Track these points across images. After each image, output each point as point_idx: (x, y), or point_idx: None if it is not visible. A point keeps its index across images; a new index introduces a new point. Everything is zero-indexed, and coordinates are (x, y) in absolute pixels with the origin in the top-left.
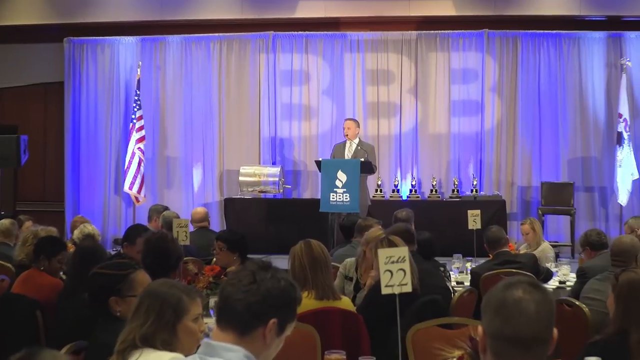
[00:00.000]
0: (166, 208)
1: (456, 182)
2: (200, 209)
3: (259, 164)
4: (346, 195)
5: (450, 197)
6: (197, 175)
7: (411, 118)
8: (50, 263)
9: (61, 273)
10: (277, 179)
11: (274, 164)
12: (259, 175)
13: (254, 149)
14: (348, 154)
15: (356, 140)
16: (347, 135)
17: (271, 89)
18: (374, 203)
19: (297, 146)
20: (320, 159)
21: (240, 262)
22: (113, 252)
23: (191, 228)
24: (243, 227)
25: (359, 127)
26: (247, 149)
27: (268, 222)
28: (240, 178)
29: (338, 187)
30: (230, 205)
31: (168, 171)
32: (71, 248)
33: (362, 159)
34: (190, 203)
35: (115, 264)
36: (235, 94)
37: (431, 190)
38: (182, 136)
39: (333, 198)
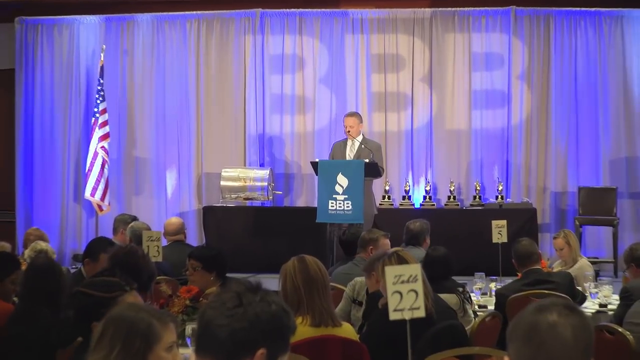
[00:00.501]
0: (135, 218)
1: (478, 187)
2: (175, 220)
3: (244, 165)
4: (348, 203)
5: (472, 205)
6: (171, 179)
7: (425, 111)
8: (2, 284)
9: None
10: (265, 183)
11: (261, 165)
12: (244, 179)
13: (238, 148)
14: (350, 153)
15: (359, 138)
16: (349, 132)
17: (259, 77)
18: (380, 212)
19: (289, 145)
20: (316, 160)
21: (219, 284)
22: (72, 270)
23: (164, 242)
24: (225, 241)
25: (362, 122)
26: (230, 148)
27: (255, 235)
28: (222, 183)
29: (338, 194)
30: (211, 215)
31: (137, 175)
32: (24, 265)
33: (367, 160)
34: (163, 212)
35: (102, 283)
36: (217, 83)
37: (449, 197)
38: (153, 133)
39: (332, 206)
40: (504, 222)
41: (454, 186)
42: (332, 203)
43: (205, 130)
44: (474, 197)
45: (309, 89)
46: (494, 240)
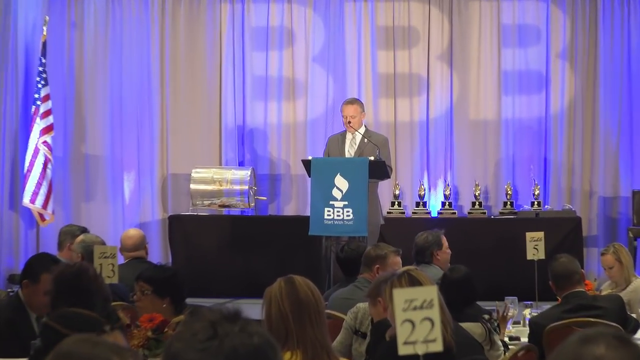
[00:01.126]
0: (84, 230)
1: (510, 192)
2: (134, 232)
3: (220, 165)
4: (348, 211)
5: (502, 213)
6: (129, 182)
7: (444, 97)
8: None
9: None
10: (246, 187)
11: (241, 165)
12: (219, 181)
13: (212, 144)
14: (350, 150)
15: (362, 130)
16: (349, 124)
17: (237, 55)
18: (388, 222)
19: (275, 139)
20: (309, 158)
21: (174, 312)
22: (10, 294)
23: (121, 259)
24: (196, 258)
25: (365, 111)
26: (202, 143)
27: (233, 251)
28: (192, 186)
29: (336, 199)
30: (178, 226)
31: (87, 176)
32: None
33: (372, 158)
34: (120, 223)
35: (76, 318)
36: (186, 63)
37: (473, 204)
38: (107, 125)
39: (329, 215)
40: (541, 234)
41: (479, 190)
42: (328, 211)
43: (171, 122)
44: (505, 204)
45: (300, 69)
46: (529, 256)
